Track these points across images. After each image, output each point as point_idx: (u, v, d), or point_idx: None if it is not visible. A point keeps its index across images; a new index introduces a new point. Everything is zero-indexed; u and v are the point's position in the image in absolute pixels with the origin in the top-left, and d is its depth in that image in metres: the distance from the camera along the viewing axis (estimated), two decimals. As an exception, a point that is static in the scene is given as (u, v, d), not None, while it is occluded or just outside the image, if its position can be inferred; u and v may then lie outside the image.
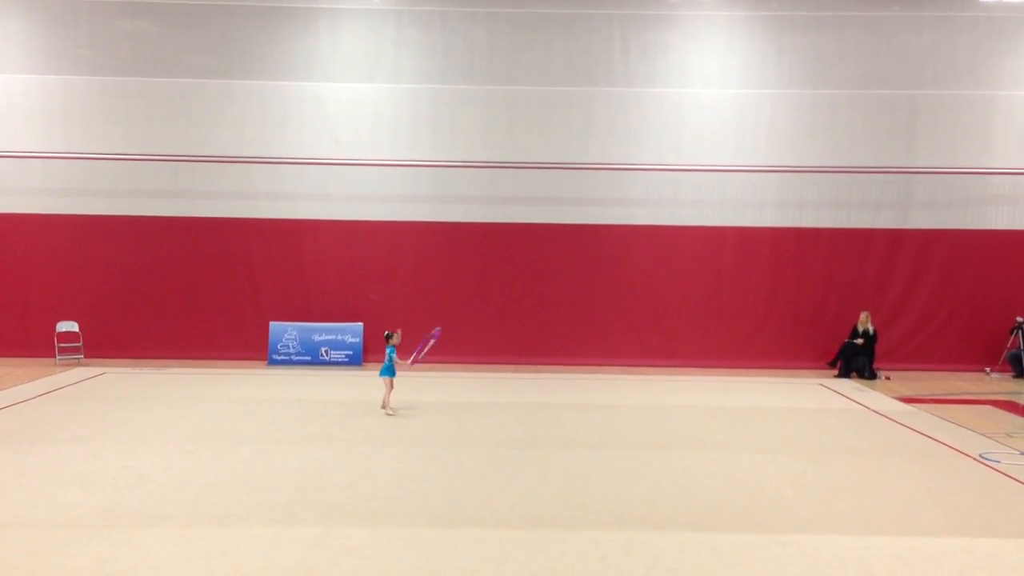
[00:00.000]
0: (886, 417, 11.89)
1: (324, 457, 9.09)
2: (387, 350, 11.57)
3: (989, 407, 12.96)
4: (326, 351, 16.20)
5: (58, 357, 15.59)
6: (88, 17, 16.28)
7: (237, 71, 16.45)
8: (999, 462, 9.22)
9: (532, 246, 16.72)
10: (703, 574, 6.02)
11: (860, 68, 16.53)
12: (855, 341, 15.77)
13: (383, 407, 11.60)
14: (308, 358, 16.13)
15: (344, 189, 16.61)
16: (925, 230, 16.71)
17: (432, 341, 11.83)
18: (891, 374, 15.68)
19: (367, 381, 12.60)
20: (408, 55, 16.64)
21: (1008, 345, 16.27)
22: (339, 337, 16.28)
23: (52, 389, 12.90)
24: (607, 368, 16.12)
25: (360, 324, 16.36)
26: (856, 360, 15.72)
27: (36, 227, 16.39)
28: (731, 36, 16.68)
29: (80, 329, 15.92)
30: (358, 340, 16.28)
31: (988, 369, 16.28)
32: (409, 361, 11.69)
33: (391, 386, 11.62)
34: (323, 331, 16.29)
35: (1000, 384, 15.34)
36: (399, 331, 11.80)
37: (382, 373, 11.60)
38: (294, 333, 16.21)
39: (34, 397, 12.25)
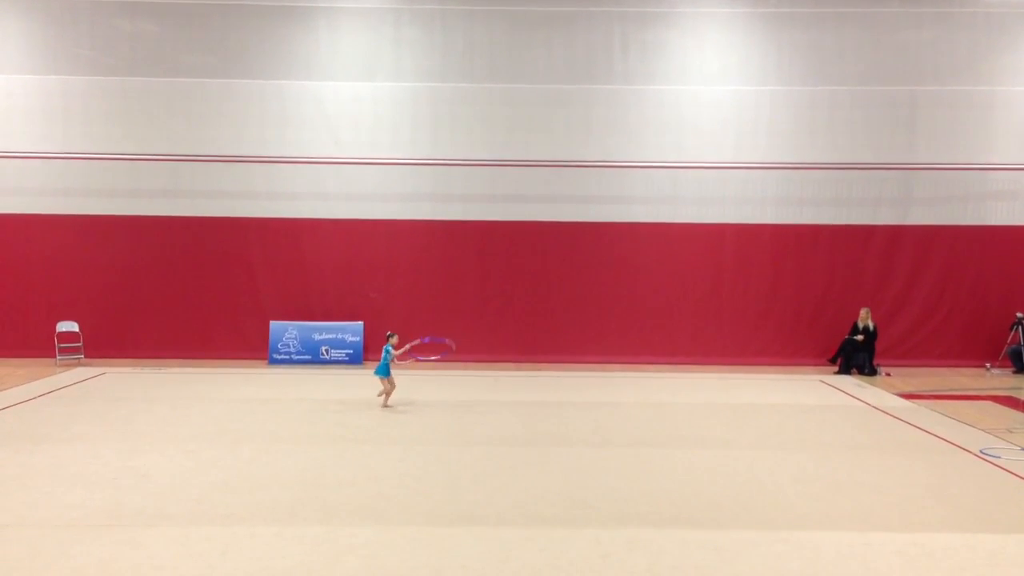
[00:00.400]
0: (887, 413, 11.89)
1: (325, 456, 9.10)
2: (384, 349, 11.69)
3: (990, 403, 12.96)
4: (326, 350, 16.20)
5: (58, 357, 15.59)
6: (87, 17, 16.27)
7: (237, 70, 16.44)
8: (1000, 458, 9.22)
9: (532, 244, 16.72)
10: (705, 571, 6.03)
11: (860, 64, 16.52)
12: (855, 337, 15.77)
13: (381, 401, 11.78)
14: (308, 357, 16.14)
15: (344, 188, 16.61)
16: (925, 226, 16.71)
17: (419, 341, 11.97)
18: (892, 370, 15.68)
19: (368, 380, 12.61)
20: (408, 54, 16.63)
21: (1008, 341, 16.28)
22: (339, 336, 16.29)
23: (53, 389, 12.90)
24: (608, 366, 16.13)
25: (360, 323, 16.37)
26: (857, 356, 15.72)
27: (36, 227, 16.39)
28: (731, 33, 16.66)
29: (80, 329, 15.93)
30: (358, 339, 16.28)
31: (989, 365, 16.29)
32: (397, 355, 11.81)
33: (391, 384, 11.74)
34: (323, 330, 16.30)
35: (1001, 380, 15.35)
36: (397, 336, 11.92)
37: (377, 372, 11.79)
38: (294, 332, 16.22)
39: (35, 397, 12.25)
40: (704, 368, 16.10)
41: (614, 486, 8.07)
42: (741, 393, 13.51)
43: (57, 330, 15.76)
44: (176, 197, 16.55)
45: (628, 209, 16.72)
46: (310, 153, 16.45)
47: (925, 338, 16.73)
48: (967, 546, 6.56)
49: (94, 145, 16.24)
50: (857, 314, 15.94)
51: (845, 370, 15.67)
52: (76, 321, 15.94)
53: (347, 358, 16.17)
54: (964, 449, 9.67)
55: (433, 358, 12.84)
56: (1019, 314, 16.20)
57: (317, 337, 16.24)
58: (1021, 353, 16.01)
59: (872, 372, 15.51)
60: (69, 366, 15.24)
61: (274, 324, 16.27)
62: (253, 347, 16.27)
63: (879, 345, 15.86)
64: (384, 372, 11.71)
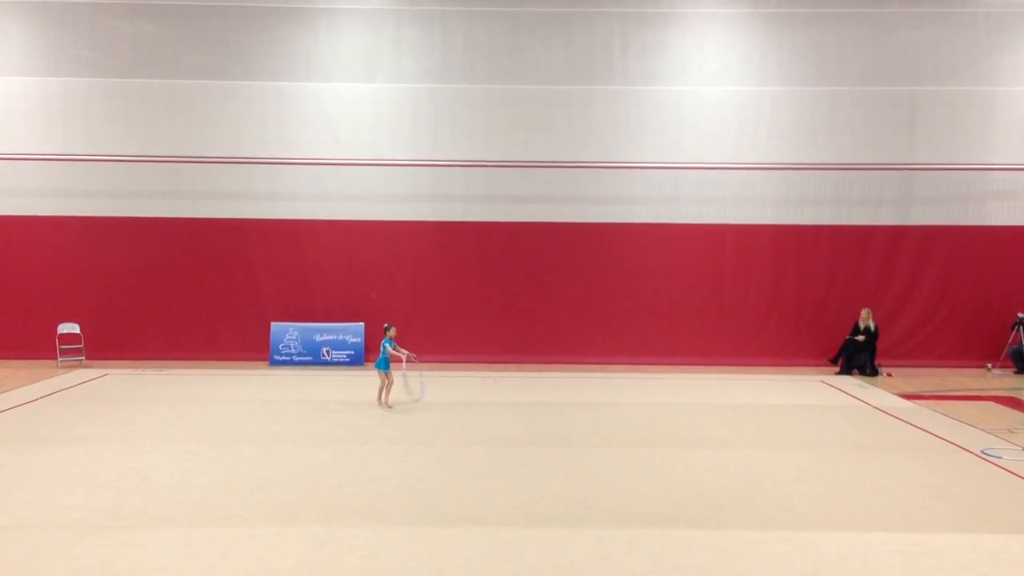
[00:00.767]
0: (888, 414, 11.89)
1: (326, 457, 9.10)
2: (383, 343, 11.71)
3: (991, 403, 12.95)
4: (327, 351, 16.21)
5: (60, 359, 15.59)
6: (88, 18, 16.29)
7: (237, 72, 16.46)
8: (1001, 458, 9.22)
9: (532, 245, 16.72)
10: (706, 571, 6.03)
11: (860, 64, 16.52)
12: (856, 338, 15.76)
13: (380, 402, 11.81)
14: (309, 358, 16.14)
15: (344, 189, 16.62)
16: (926, 226, 16.70)
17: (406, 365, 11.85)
18: (893, 371, 15.67)
19: (369, 381, 12.61)
20: (408, 54, 16.64)
21: (1009, 341, 16.28)
22: (340, 337, 16.29)
23: (54, 391, 12.90)
24: (609, 366, 16.13)
25: (361, 324, 16.37)
26: (858, 357, 15.71)
27: (37, 229, 16.40)
28: (731, 33, 16.67)
29: (81, 331, 15.92)
30: (359, 340, 16.28)
31: (990, 365, 16.28)
32: (403, 360, 11.78)
33: (388, 380, 11.77)
34: (324, 331, 16.30)
35: (1002, 380, 15.34)
36: (395, 328, 11.95)
37: (377, 366, 11.87)
38: (295, 333, 16.22)
39: (36, 399, 12.25)
40: (705, 368, 16.09)
41: (615, 486, 8.07)
42: (742, 393, 13.51)
43: (58, 332, 15.75)
44: (176, 198, 16.56)
45: (628, 209, 16.72)
46: (310, 154, 16.46)
47: (926, 338, 16.72)
48: (968, 546, 6.56)
49: (94, 146, 16.25)
50: (858, 314, 15.93)
51: (846, 370, 15.67)
52: (77, 322, 15.94)
53: (348, 359, 16.17)
54: (965, 449, 9.66)
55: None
56: (1020, 314, 16.19)
57: (318, 338, 16.24)
58: (1022, 353, 16.00)
59: (873, 372, 15.50)
60: (70, 367, 15.24)
61: (275, 325, 16.27)
62: (254, 348, 16.27)
63: (880, 345, 15.84)
64: (385, 366, 11.75)
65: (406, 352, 11.79)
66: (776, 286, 16.77)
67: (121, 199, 16.48)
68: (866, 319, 15.83)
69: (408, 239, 16.71)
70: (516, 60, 16.57)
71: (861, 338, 15.73)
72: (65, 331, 15.83)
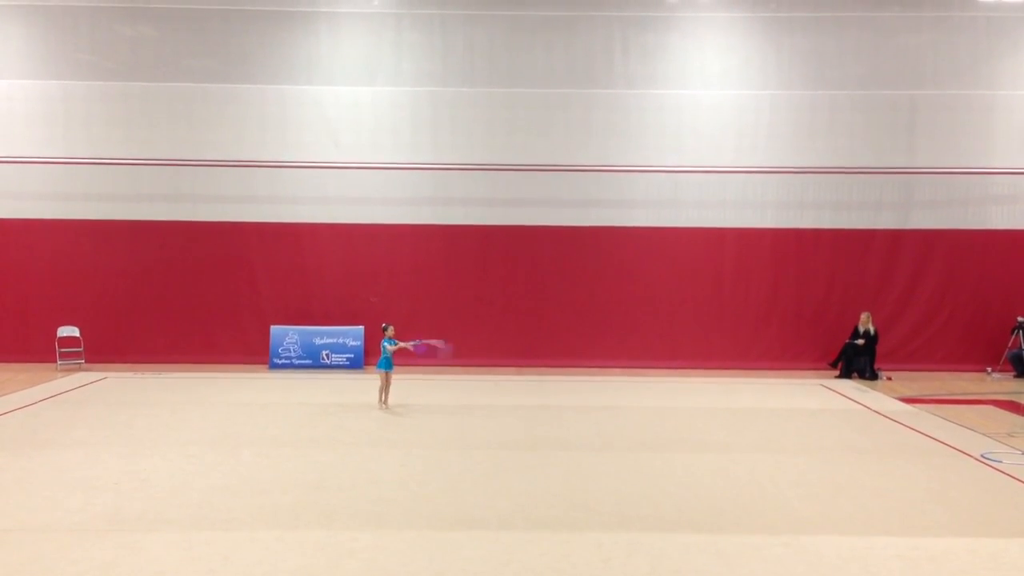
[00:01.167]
0: (888, 417, 11.88)
1: (326, 460, 9.09)
2: (383, 343, 11.73)
3: (990, 407, 12.96)
4: (327, 354, 16.21)
5: (59, 362, 15.58)
6: (88, 22, 16.30)
7: (237, 75, 16.47)
8: (1001, 462, 9.22)
9: (533, 248, 16.72)
10: (706, 575, 6.02)
11: (860, 68, 16.54)
12: (856, 342, 15.76)
13: (380, 402, 11.81)
14: (309, 362, 16.13)
15: (344, 192, 16.62)
16: (926, 230, 16.70)
17: (432, 346, 11.94)
18: (892, 374, 15.67)
19: (368, 384, 12.62)
20: (408, 58, 16.65)
21: (1009, 345, 16.27)
22: (340, 340, 16.29)
23: (54, 394, 12.90)
24: (609, 370, 16.12)
25: (361, 327, 16.36)
26: (857, 361, 15.71)
27: (37, 232, 16.39)
28: (731, 37, 16.69)
29: (81, 334, 15.91)
30: (359, 343, 16.28)
31: (989, 369, 16.27)
32: (411, 345, 11.81)
33: (389, 380, 11.80)
34: (324, 334, 16.30)
35: (1001, 384, 15.34)
36: (393, 327, 11.98)
37: (378, 366, 11.89)
38: (295, 337, 16.22)
39: (36, 402, 12.25)
40: (705, 372, 16.09)
41: (615, 490, 8.07)
42: (742, 397, 13.51)
43: (58, 335, 15.73)
44: (177, 201, 16.56)
45: (628, 213, 16.73)
46: (311, 157, 16.47)
47: (926, 342, 16.71)
48: (968, 550, 6.55)
49: (95, 149, 16.25)
50: (858, 318, 15.93)
51: (846, 374, 15.66)
52: (77, 326, 15.92)
53: (348, 362, 16.17)
54: (965, 453, 9.66)
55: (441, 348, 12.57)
56: (1020, 318, 16.18)
57: (318, 341, 16.24)
58: (1022, 357, 15.99)
59: (873, 376, 15.50)
60: (70, 371, 15.23)
61: (275, 329, 16.27)
62: (254, 352, 16.26)
63: (880, 349, 15.84)
64: (387, 366, 11.78)
65: (413, 343, 11.84)
66: (776, 289, 16.77)
67: (122, 202, 16.48)
68: (866, 323, 15.83)
69: (408, 242, 16.70)
70: (516, 63, 16.59)
71: (861, 342, 15.72)
72: (65, 334, 15.81)
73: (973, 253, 16.65)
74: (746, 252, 16.71)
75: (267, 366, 16.10)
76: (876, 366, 15.69)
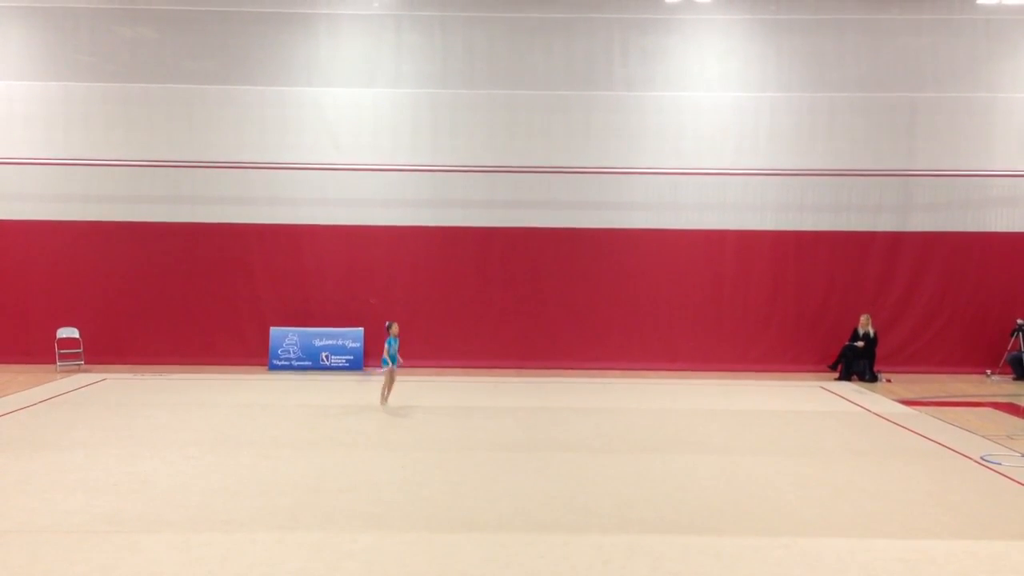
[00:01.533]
0: (887, 420, 11.88)
1: (326, 462, 9.09)
2: (387, 341, 11.80)
3: (990, 409, 12.96)
4: (327, 356, 16.20)
5: (59, 363, 15.57)
6: (88, 23, 16.30)
7: (237, 77, 16.47)
8: (1000, 464, 9.22)
9: (532, 250, 16.72)
10: (706, 577, 6.03)
11: (860, 71, 16.54)
12: (856, 344, 15.76)
13: (382, 399, 11.94)
14: (309, 363, 16.13)
15: (344, 194, 16.62)
16: (925, 233, 16.71)
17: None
18: (892, 377, 15.67)
19: (368, 386, 12.65)
20: (408, 60, 16.66)
21: (1009, 347, 16.27)
22: (340, 342, 16.28)
23: (53, 395, 12.89)
24: (608, 372, 16.12)
25: (360, 329, 16.35)
26: (857, 363, 15.71)
27: (36, 233, 16.39)
28: (730, 39, 16.70)
29: (81, 335, 15.90)
30: (359, 345, 16.27)
31: (989, 371, 16.27)
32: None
33: (392, 377, 11.87)
34: (324, 336, 16.29)
35: (1001, 386, 15.35)
36: (397, 324, 12.10)
37: (384, 363, 12.06)
38: (295, 338, 16.21)
39: (35, 403, 12.24)
40: (704, 374, 16.09)
41: (615, 492, 8.07)
42: (741, 399, 13.51)
43: (57, 336, 15.73)
44: (176, 203, 16.56)
45: (628, 215, 16.73)
46: (310, 159, 16.47)
47: (925, 344, 16.71)
48: (968, 552, 6.55)
49: (95, 151, 16.25)
50: (857, 320, 15.93)
51: (845, 376, 15.66)
52: (76, 327, 15.92)
53: (347, 364, 16.16)
54: (965, 455, 9.66)
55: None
56: (1019, 320, 16.19)
57: (317, 343, 16.23)
58: (1021, 359, 16.00)
59: (872, 378, 15.50)
60: (69, 372, 15.23)
61: (274, 330, 16.26)
62: (253, 353, 16.26)
63: (879, 351, 15.84)
64: (392, 362, 11.91)
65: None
66: (776, 292, 16.77)
67: (121, 204, 16.47)
68: (865, 325, 15.83)
69: (408, 244, 16.70)
70: (516, 65, 16.59)
71: (860, 344, 15.73)
72: (64, 335, 15.81)
73: (973, 255, 16.65)
74: (746, 254, 16.72)
75: (266, 367, 16.09)
76: (876, 368, 15.70)
